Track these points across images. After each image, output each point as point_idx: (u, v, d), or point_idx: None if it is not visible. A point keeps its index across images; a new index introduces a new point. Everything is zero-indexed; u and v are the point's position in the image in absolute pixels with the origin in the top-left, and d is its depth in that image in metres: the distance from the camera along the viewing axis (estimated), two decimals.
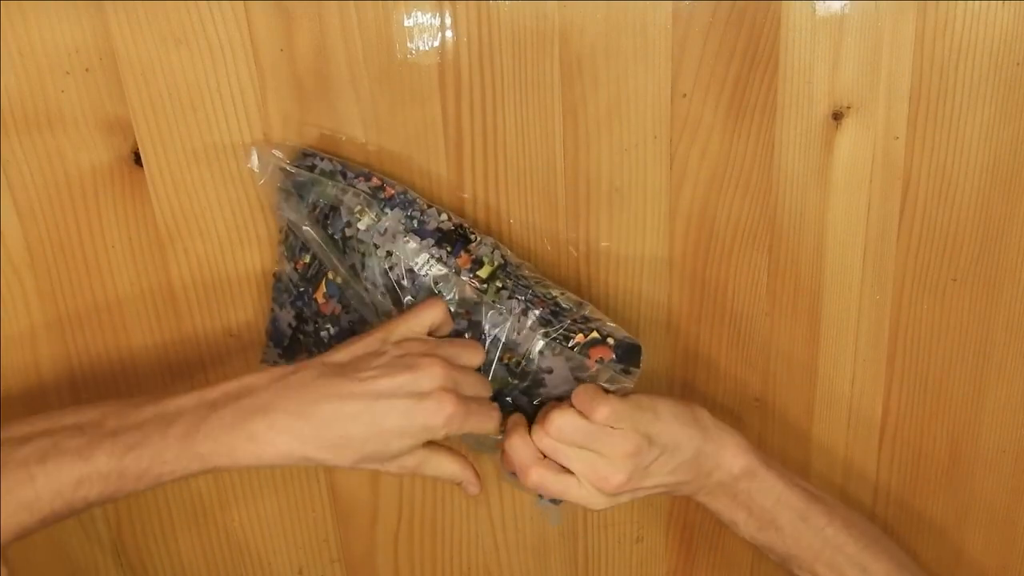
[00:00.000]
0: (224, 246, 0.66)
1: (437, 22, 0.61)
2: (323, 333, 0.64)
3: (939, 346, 0.74)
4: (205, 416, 0.52)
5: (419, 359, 0.55)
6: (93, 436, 0.51)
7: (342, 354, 0.56)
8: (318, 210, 0.61)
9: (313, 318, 0.64)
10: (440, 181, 0.66)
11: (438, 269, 0.61)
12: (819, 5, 0.62)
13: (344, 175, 0.62)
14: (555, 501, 0.67)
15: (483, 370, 0.61)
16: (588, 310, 0.64)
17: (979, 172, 0.68)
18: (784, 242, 0.69)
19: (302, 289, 0.64)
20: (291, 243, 0.64)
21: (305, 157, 0.62)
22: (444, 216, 0.63)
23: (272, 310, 0.66)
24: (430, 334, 0.59)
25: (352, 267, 0.62)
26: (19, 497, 0.50)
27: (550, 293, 0.64)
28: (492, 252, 0.63)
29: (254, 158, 0.62)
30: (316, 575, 0.78)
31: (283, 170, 0.62)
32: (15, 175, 0.62)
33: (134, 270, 0.65)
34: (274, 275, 0.66)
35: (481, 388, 0.59)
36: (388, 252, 0.61)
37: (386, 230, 0.61)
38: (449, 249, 0.61)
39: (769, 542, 0.65)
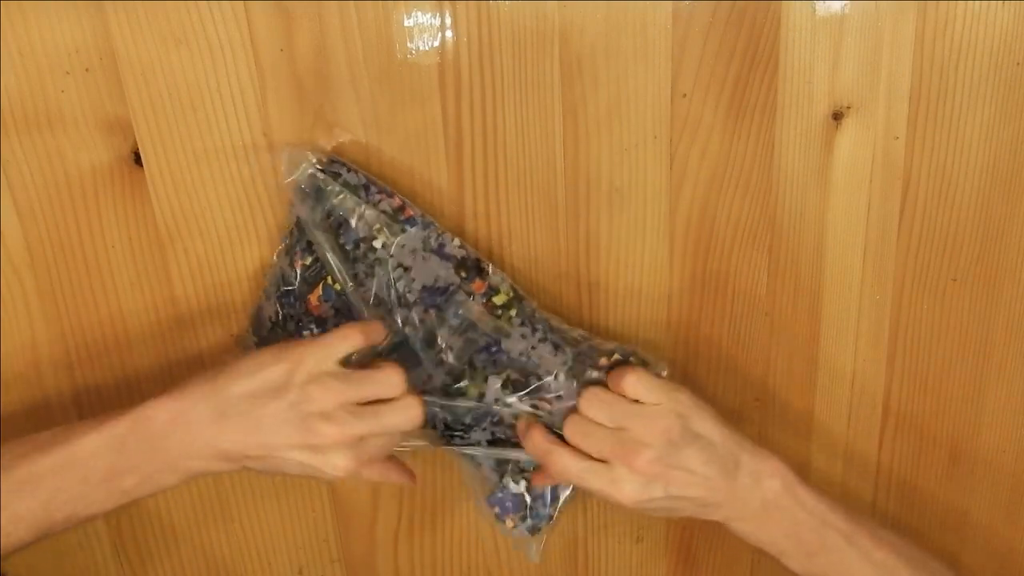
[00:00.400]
0: (224, 246, 0.66)
1: (437, 22, 0.61)
2: (305, 332, 0.64)
3: (939, 346, 0.74)
4: (116, 457, 0.53)
5: (318, 424, 0.54)
6: (7, 486, 0.52)
7: (242, 384, 0.54)
8: (332, 218, 0.62)
9: (299, 317, 0.64)
10: (440, 181, 0.66)
11: (458, 294, 0.62)
12: (819, 5, 0.62)
13: (367, 189, 0.63)
14: (535, 530, 0.67)
15: (489, 385, 0.62)
16: (597, 342, 0.65)
17: (979, 172, 0.68)
18: (784, 242, 0.69)
19: (292, 287, 0.64)
20: (294, 241, 0.64)
21: (332, 164, 0.63)
22: (458, 243, 0.64)
23: (260, 298, 0.66)
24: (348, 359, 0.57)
25: (355, 276, 0.62)
26: None
27: (562, 327, 0.65)
28: (504, 284, 0.65)
29: (285, 156, 0.62)
30: (316, 574, 0.78)
31: (311, 174, 0.62)
32: (15, 175, 0.62)
33: (134, 270, 0.66)
34: (271, 266, 0.66)
35: (389, 423, 0.56)
36: (405, 268, 0.62)
37: (404, 245, 0.62)
38: (464, 275, 0.63)
39: (820, 572, 0.61)
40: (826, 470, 0.77)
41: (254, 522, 0.75)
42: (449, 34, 0.61)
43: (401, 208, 0.63)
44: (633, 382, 0.59)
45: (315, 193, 0.62)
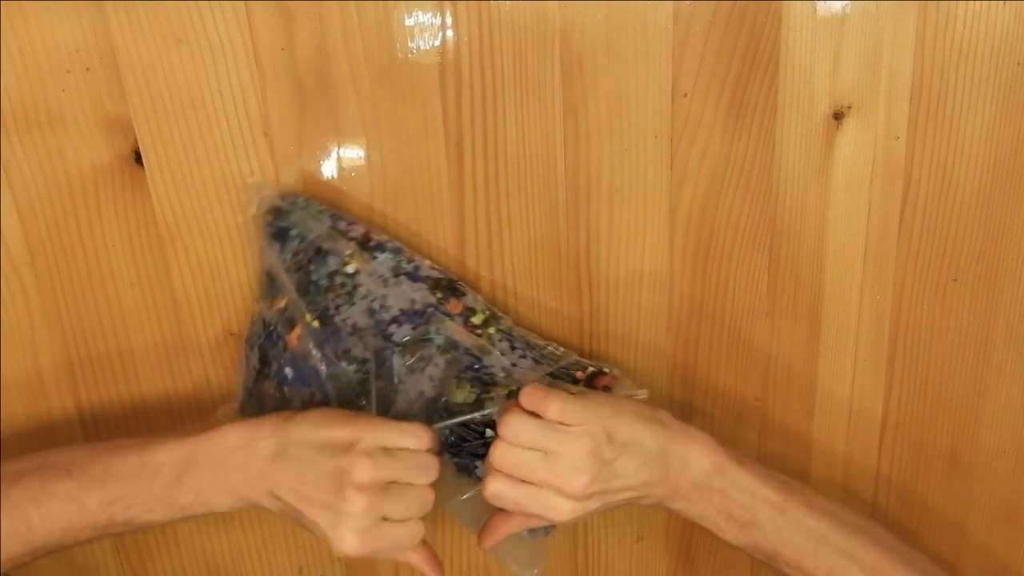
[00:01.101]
0: (224, 246, 0.66)
1: (438, 21, 0.61)
2: (287, 369, 0.64)
3: (939, 346, 0.73)
4: (184, 470, 0.57)
5: (352, 493, 0.55)
6: (80, 481, 0.56)
7: (307, 433, 0.57)
8: (300, 255, 0.63)
9: (279, 357, 0.64)
10: (440, 180, 0.66)
11: (436, 316, 0.63)
12: (820, 5, 0.62)
13: (334, 218, 0.63)
14: (535, 530, 0.66)
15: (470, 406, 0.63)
16: (575, 359, 0.66)
17: (980, 172, 0.68)
18: (784, 242, 0.69)
19: (272, 328, 0.64)
20: (268, 288, 0.64)
21: (295, 198, 0.64)
22: (429, 264, 0.65)
23: (244, 352, 0.66)
24: None
25: (326, 310, 0.62)
26: (15, 533, 0.55)
27: (539, 343, 0.66)
28: (479, 303, 0.66)
29: (254, 189, 0.63)
30: (316, 574, 0.78)
31: (276, 206, 0.63)
32: (15, 174, 0.62)
33: (134, 269, 0.66)
34: (253, 316, 0.66)
35: (411, 508, 0.57)
36: (381, 294, 0.62)
37: (373, 271, 0.62)
38: (440, 295, 0.64)
39: (753, 542, 0.63)
40: (826, 470, 0.77)
41: (254, 521, 0.75)
42: (450, 33, 0.61)
43: (367, 236, 0.64)
44: (558, 409, 0.58)
45: (278, 237, 0.63)
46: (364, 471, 0.55)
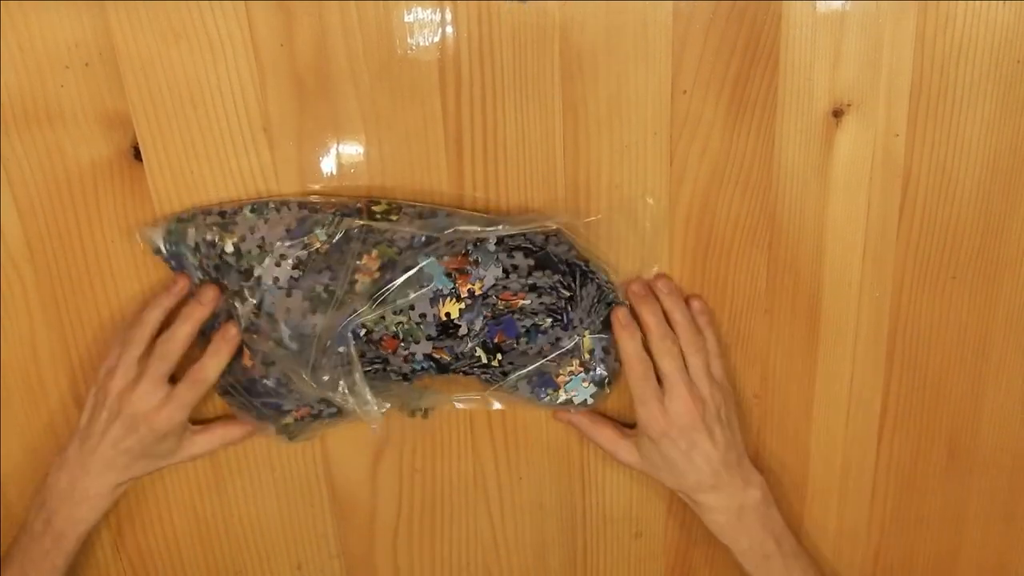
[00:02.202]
0: None
1: (437, 18, 0.61)
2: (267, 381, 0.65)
3: (938, 344, 0.74)
4: (51, 525, 0.66)
5: (110, 423, 0.63)
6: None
7: (82, 424, 0.65)
8: (206, 263, 0.63)
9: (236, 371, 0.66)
10: (440, 177, 0.66)
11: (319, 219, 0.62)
12: (820, 3, 0.62)
13: (194, 218, 0.63)
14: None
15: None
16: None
17: (979, 169, 0.68)
18: (784, 239, 0.69)
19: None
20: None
21: (170, 224, 0.64)
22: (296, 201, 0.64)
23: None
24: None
25: (252, 300, 0.63)
26: None
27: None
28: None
29: (147, 235, 0.64)
30: (315, 571, 0.78)
31: (160, 247, 0.64)
32: (15, 170, 0.62)
33: (134, 266, 0.66)
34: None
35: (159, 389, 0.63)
36: (258, 239, 0.62)
37: (251, 232, 0.62)
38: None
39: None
40: (824, 467, 0.77)
41: (253, 518, 0.75)
42: (449, 30, 0.61)
43: (222, 211, 0.63)
44: (718, 366, 0.69)
45: (177, 266, 0.64)
46: (109, 401, 0.63)
